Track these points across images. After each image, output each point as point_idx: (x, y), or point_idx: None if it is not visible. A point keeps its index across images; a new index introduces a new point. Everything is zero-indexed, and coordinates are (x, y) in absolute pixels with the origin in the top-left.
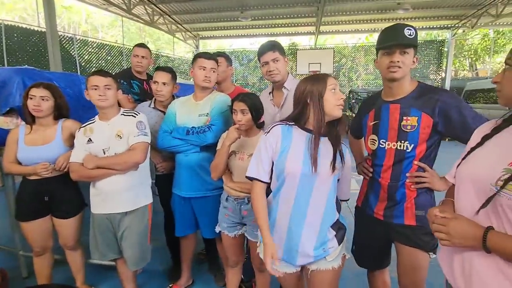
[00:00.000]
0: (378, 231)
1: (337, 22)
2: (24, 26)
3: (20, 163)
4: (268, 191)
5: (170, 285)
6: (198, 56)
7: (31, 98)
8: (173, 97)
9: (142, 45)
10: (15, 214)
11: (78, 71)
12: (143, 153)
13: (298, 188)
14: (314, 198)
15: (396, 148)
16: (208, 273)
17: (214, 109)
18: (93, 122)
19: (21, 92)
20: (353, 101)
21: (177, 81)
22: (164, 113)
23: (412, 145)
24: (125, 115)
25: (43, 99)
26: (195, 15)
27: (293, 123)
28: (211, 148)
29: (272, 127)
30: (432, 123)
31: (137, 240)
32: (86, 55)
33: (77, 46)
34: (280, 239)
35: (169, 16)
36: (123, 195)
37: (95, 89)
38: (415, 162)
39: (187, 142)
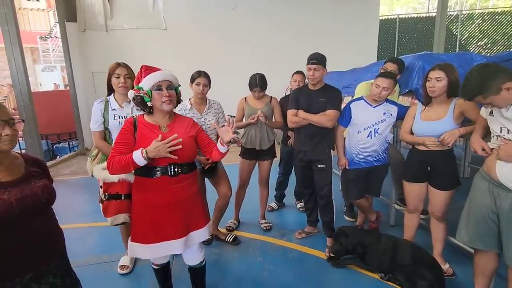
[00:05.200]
0: None
1: None
2: (414, 15)
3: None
4: None
5: None
6: None
7: (429, 80)
8: None
9: None
10: (402, 174)
11: (457, 49)
12: None
13: None
14: None
15: None
16: None
17: None
18: None
19: (419, 76)
20: None
21: None
22: None
23: None
24: None
25: (438, 80)
26: None
27: None
28: None
29: None
30: None
31: None
32: (466, 32)
33: (460, 23)
34: None
35: None
36: None
37: None
38: None
39: None
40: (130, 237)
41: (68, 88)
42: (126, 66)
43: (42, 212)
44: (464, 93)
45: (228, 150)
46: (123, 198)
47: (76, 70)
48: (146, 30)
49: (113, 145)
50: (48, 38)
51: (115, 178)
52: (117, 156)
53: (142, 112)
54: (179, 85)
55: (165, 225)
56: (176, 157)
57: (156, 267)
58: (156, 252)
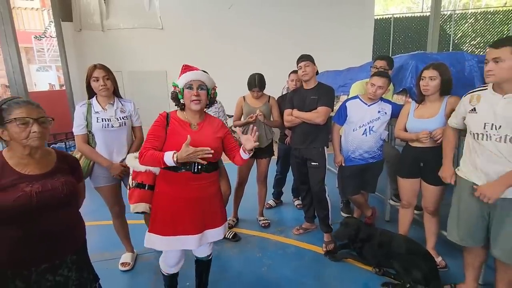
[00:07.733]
0: None
1: None
2: (408, 15)
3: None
4: None
5: None
6: None
7: (422, 79)
8: None
9: None
10: (396, 170)
11: (450, 49)
12: None
13: None
14: None
15: None
16: None
17: None
18: (484, 90)
19: (413, 75)
20: None
21: None
22: None
23: None
24: None
25: (431, 79)
26: None
27: None
28: None
29: None
30: None
31: None
32: (459, 32)
33: (453, 22)
34: None
35: None
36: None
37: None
38: None
39: None
40: (148, 228)
41: (63, 88)
42: (103, 67)
43: (61, 206)
44: (492, 44)
45: (249, 157)
46: (146, 188)
47: (72, 70)
48: (143, 30)
49: (145, 137)
50: (43, 37)
51: (142, 167)
52: (150, 149)
53: (124, 114)
54: (215, 87)
55: (184, 219)
56: (205, 162)
57: (166, 275)
58: (171, 245)
